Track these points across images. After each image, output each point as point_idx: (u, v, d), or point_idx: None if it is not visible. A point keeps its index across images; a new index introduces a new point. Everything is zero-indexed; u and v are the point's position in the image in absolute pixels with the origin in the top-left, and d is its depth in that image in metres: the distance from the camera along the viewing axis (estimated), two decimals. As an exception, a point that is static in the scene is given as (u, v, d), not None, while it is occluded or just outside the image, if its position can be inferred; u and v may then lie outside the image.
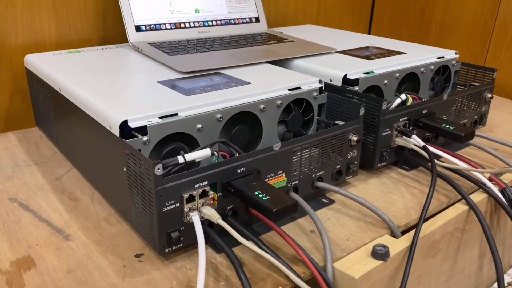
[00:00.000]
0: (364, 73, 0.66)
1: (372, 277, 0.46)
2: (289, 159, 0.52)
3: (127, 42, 0.75)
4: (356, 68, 0.66)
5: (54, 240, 0.48)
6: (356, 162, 0.60)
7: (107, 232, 0.50)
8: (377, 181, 0.63)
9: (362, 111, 0.58)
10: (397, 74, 0.69)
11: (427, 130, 0.65)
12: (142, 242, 0.49)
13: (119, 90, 0.55)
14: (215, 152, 0.46)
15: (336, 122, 0.59)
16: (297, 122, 0.60)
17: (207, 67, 0.65)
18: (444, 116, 0.70)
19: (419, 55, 0.75)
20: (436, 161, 0.60)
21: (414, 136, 0.61)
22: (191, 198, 0.44)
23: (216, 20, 0.86)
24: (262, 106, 0.55)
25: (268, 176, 0.50)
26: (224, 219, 0.47)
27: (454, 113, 0.72)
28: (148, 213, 0.44)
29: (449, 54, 0.78)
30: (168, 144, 0.50)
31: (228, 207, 0.48)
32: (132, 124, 0.46)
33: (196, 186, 0.44)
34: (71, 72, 0.63)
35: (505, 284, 0.68)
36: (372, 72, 0.67)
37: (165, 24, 0.81)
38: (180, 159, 0.44)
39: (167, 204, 0.43)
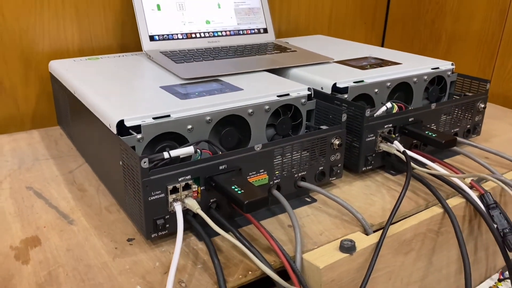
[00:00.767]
0: (354, 82, 0.70)
1: (337, 269, 0.50)
2: (270, 159, 0.57)
3: (142, 50, 0.82)
4: (347, 77, 0.71)
5: (60, 223, 0.55)
6: (339, 165, 0.64)
7: (106, 219, 0.56)
8: (362, 183, 0.67)
9: (344, 117, 0.62)
10: (388, 84, 0.73)
11: (412, 137, 0.68)
12: (135, 229, 0.55)
13: (123, 93, 0.62)
14: (198, 150, 0.52)
15: (321, 127, 0.63)
16: (285, 126, 0.65)
17: (207, 74, 0.70)
18: (433, 125, 0.73)
19: (414, 66, 0.78)
20: (417, 166, 0.63)
21: (396, 142, 0.65)
22: (175, 190, 0.50)
23: (225, 31, 0.92)
24: (250, 111, 0.60)
25: (250, 173, 0.55)
26: (207, 210, 0.53)
27: (444, 122, 0.75)
28: (138, 202, 0.50)
29: (445, 65, 0.81)
30: (162, 142, 0.56)
31: (211, 200, 0.53)
32: (128, 123, 0.52)
33: (180, 179, 0.50)
34: (86, 77, 0.70)
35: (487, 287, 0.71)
36: (363, 81, 0.71)
37: (177, 34, 0.87)
38: (166, 154, 0.49)
39: (152, 194, 0.49)
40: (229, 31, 0.93)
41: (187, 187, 0.51)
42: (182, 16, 0.88)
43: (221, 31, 0.92)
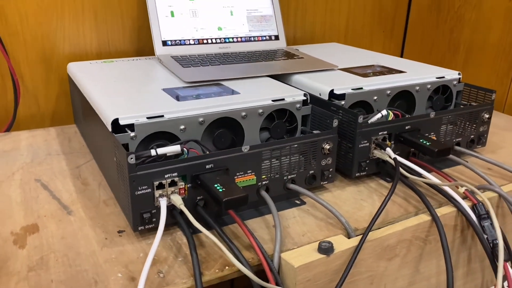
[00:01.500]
0: (352, 89, 0.71)
1: (313, 269, 0.51)
2: (258, 160, 0.59)
3: (156, 55, 0.86)
4: (346, 84, 0.72)
5: (59, 214, 0.59)
6: (331, 169, 0.65)
7: (102, 212, 0.60)
8: (354, 189, 0.68)
9: (335, 123, 0.63)
10: (388, 92, 0.74)
11: (407, 145, 0.69)
12: (127, 222, 0.58)
13: (125, 94, 0.65)
14: (185, 149, 0.54)
15: (314, 131, 0.65)
16: (280, 130, 0.67)
17: (209, 78, 0.73)
18: (433, 134, 0.73)
19: (418, 74, 0.79)
20: (408, 174, 0.64)
21: (388, 149, 0.66)
22: (161, 186, 0.53)
23: (237, 37, 0.95)
24: (243, 114, 0.63)
25: (238, 174, 0.58)
26: (194, 207, 0.56)
27: (445, 132, 0.74)
28: (127, 196, 0.53)
29: (450, 75, 0.80)
30: (155, 140, 0.58)
31: (198, 198, 0.56)
32: (122, 122, 0.56)
33: (166, 176, 0.53)
34: (96, 78, 0.75)
35: (481, 300, 0.69)
36: (361, 88, 0.72)
37: (189, 40, 0.91)
38: (153, 152, 0.52)
39: (139, 188, 0.52)
40: (240, 37, 0.96)
41: (173, 183, 0.53)
42: (194, 22, 0.92)
43: (232, 38, 0.95)
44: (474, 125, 0.78)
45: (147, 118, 0.57)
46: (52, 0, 0.86)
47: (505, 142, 0.86)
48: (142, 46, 0.96)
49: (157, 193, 0.52)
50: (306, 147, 0.62)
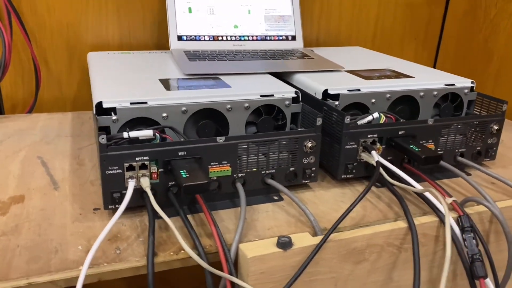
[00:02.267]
0: (349, 90, 0.70)
1: (268, 262, 0.51)
2: (234, 152, 0.59)
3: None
4: (344, 85, 0.71)
5: (47, 188, 0.63)
6: (313, 168, 0.65)
7: (87, 190, 0.63)
8: (339, 190, 0.66)
9: (319, 121, 0.62)
10: (388, 95, 0.72)
11: (398, 150, 0.66)
12: (105, 201, 0.60)
13: (122, 81, 0.68)
14: (157, 134, 0.56)
15: (298, 129, 0.65)
16: (267, 125, 0.67)
17: (207, 72, 0.75)
18: (430, 141, 0.70)
19: (425, 80, 0.76)
20: (389, 179, 0.62)
21: (373, 152, 0.64)
22: (133, 168, 0.55)
23: (252, 36, 0.96)
24: (228, 106, 0.64)
25: (212, 163, 0.59)
26: (165, 192, 0.57)
27: (446, 141, 0.71)
28: (100, 175, 0.56)
29: (462, 82, 0.77)
30: (138, 125, 0.61)
31: (170, 183, 0.57)
32: (105, 105, 0.59)
33: (137, 158, 0.55)
34: (106, 67, 0.78)
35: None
36: (359, 90, 0.71)
37: (204, 36, 0.93)
38: (125, 134, 0.55)
39: (110, 168, 0.54)
40: (256, 36, 0.97)
41: (144, 167, 0.55)
42: (211, 19, 0.94)
43: (248, 36, 0.96)
44: (481, 137, 0.74)
45: (131, 103, 0.60)
46: (80, -7, 0.92)
47: (522, 158, 0.81)
48: (162, 40, 1.00)
49: (127, 174, 0.55)
50: (287, 143, 0.62)
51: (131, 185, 0.54)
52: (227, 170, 0.60)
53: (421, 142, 0.69)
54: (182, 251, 0.51)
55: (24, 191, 0.62)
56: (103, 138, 0.53)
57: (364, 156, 0.66)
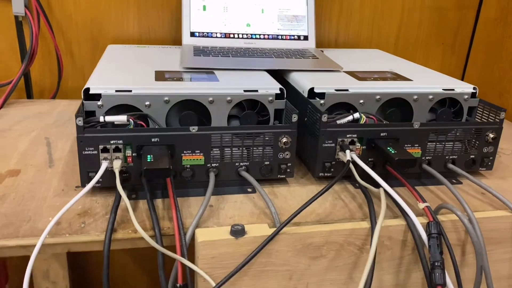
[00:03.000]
0: (336, 90, 0.70)
1: (218, 247, 0.53)
2: (207, 143, 0.62)
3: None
4: (332, 85, 0.71)
5: (42, 165, 0.69)
6: (289, 164, 0.66)
7: (77, 170, 0.68)
8: (315, 188, 0.67)
9: (294, 118, 0.63)
10: (377, 97, 0.71)
11: (377, 151, 0.66)
12: (89, 180, 0.65)
13: (119, 70, 0.73)
14: (131, 120, 0.60)
15: (275, 125, 0.66)
16: (250, 120, 0.69)
17: (203, 66, 0.78)
18: (416, 146, 0.69)
19: (422, 84, 0.74)
20: (360, 179, 0.61)
21: (347, 151, 0.64)
22: (106, 150, 0.59)
23: (264, 34, 0.98)
24: (210, 99, 0.66)
25: (185, 152, 0.62)
26: (139, 175, 0.61)
27: (434, 147, 0.69)
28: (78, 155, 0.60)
29: (462, 88, 0.74)
30: (123, 112, 0.65)
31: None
32: (92, 91, 0.63)
33: (112, 142, 0.59)
34: (114, 58, 0.84)
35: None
36: (347, 90, 0.71)
37: (216, 33, 0.96)
38: (101, 118, 0.59)
39: (86, 149, 0.58)
40: (268, 34, 0.98)
41: (118, 150, 0.59)
42: (224, 17, 0.97)
43: (259, 34, 0.98)
44: (476, 145, 0.71)
45: (116, 91, 0.64)
46: (105, -11, 0.99)
47: (526, 171, 0.77)
48: (179, 36, 1.04)
49: (102, 156, 0.59)
50: (261, 138, 0.63)
51: (103, 165, 0.58)
52: (200, 159, 0.62)
53: (405, 146, 0.68)
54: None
55: (22, 166, 0.68)
56: (80, 121, 0.57)
57: (341, 155, 0.66)
